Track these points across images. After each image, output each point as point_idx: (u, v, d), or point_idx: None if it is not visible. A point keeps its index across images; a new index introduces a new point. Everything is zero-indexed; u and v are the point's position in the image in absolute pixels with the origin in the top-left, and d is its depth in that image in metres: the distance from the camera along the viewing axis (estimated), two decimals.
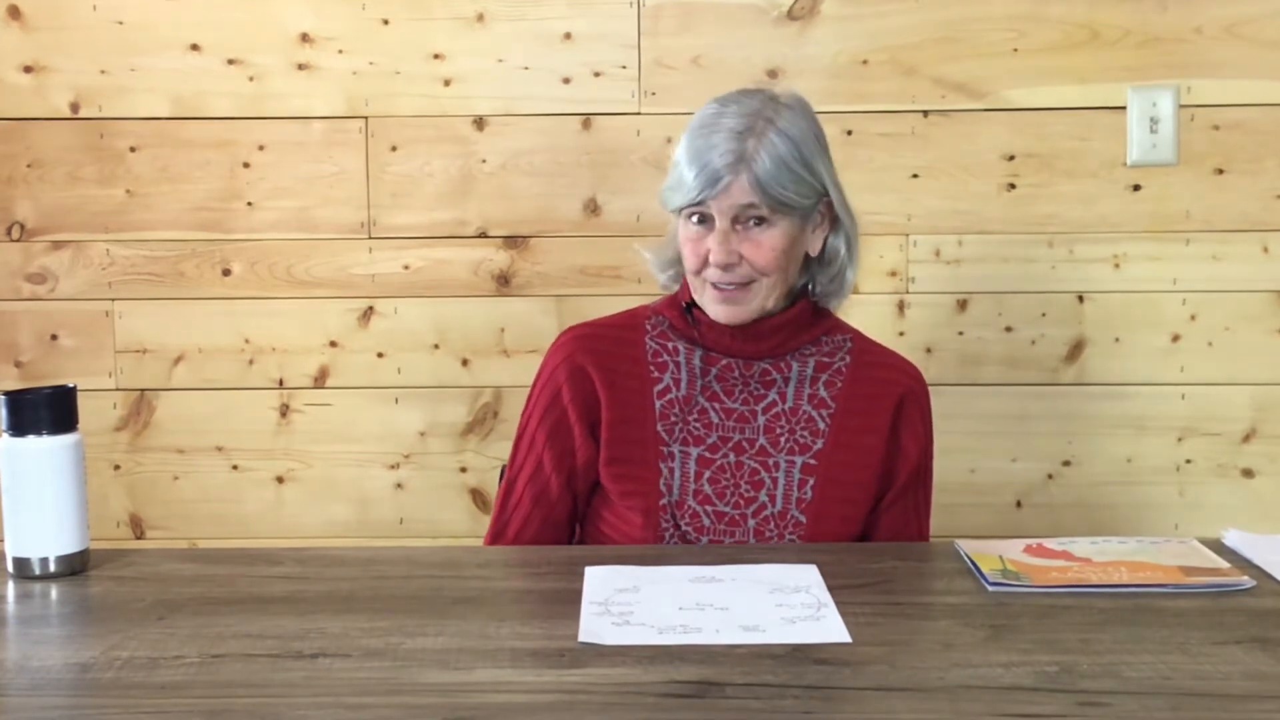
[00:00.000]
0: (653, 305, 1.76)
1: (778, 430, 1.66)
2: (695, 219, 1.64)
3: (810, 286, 1.71)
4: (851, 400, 1.68)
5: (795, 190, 1.61)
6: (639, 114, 2.23)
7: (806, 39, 2.22)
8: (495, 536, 1.72)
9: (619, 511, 1.67)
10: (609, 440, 1.67)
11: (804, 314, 1.69)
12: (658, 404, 1.68)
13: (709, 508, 1.64)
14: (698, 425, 1.67)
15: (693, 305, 1.70)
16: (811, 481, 1.65)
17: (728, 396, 1.68)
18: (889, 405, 1.68)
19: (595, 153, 2.25)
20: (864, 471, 1.66)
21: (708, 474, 1.65)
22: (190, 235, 2.28)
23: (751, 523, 1.64)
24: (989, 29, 2.21)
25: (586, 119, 2.25)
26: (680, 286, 1.72)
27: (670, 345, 1.71)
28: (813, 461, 1.65)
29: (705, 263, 1.63)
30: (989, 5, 2.21)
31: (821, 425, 1.67)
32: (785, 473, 1.65)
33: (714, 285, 1.64)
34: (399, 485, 2.31)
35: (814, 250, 1.69)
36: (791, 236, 1.63)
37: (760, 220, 1.62)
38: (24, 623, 1.32)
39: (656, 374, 1.69)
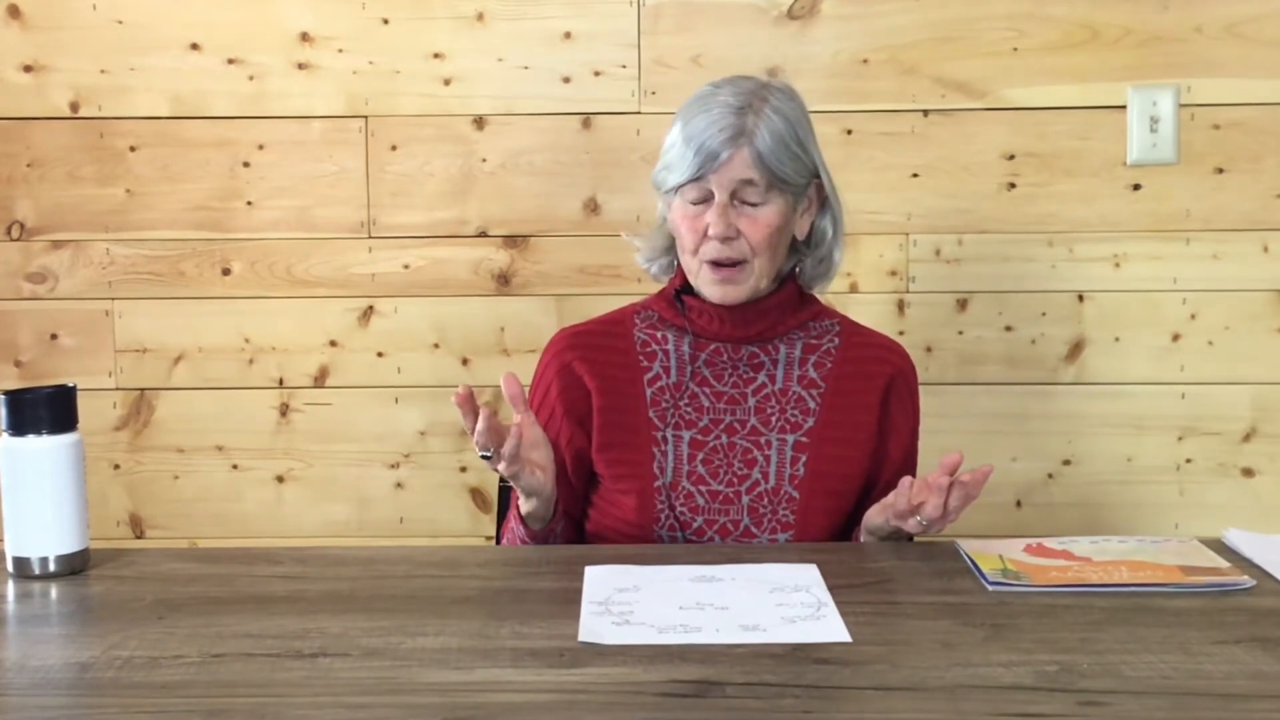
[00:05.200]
0: (641, 302, 1.79)
1: (768, 410, 1.69)
2: (692, 197, 1.65)
3: (797, 270, 1.74)
4: (841, 380, 1.71)
5: (792, 167, 1.65)
6: (639, 113, 2.23)
7: (806, 38, 2.22)
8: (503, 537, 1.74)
9: (611, 497, 1.69)
10: (601, 426, 1.69)
11: (791, 297, 1.72)
12: (648, 391, 1.70)
13: (703, 488, 1.66)
14: (689, 409, 1.69)
15: (682, 293, 1.72)
16: (804, 458, 1.67)
17: (717, 380, 1.70)
18: (879, 384, 1.71)
19: (595, 152, 2.25)
20: (856, 448, 1.69)
21: (700, 455, 1.67)
22: (190, 235, 2.28)
23: (745, 500, 1.65)
24: (989, 28, 2.21)
25: (586, 118, 2.25)
26: (670, 277, 1.75)
27: (659, 335, 1.73)
28: (804, 439, 1.68)
29: (703, 239, 1.65)
30: (989, 4, 2.21)
31: (812, 405, 1.69)
32: (777, 450, 1.67)
33: (711, 265, 1.66)
34: (399, 485, 2.31)
35: (801, 233, 1.72)
36: (785, 216, 1.66)
37: (753, 197, 1.64)
38: (24, 622, 1.31)
39: (646, 363, 1.72)
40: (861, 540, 1.61)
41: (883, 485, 1.70)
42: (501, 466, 1.51)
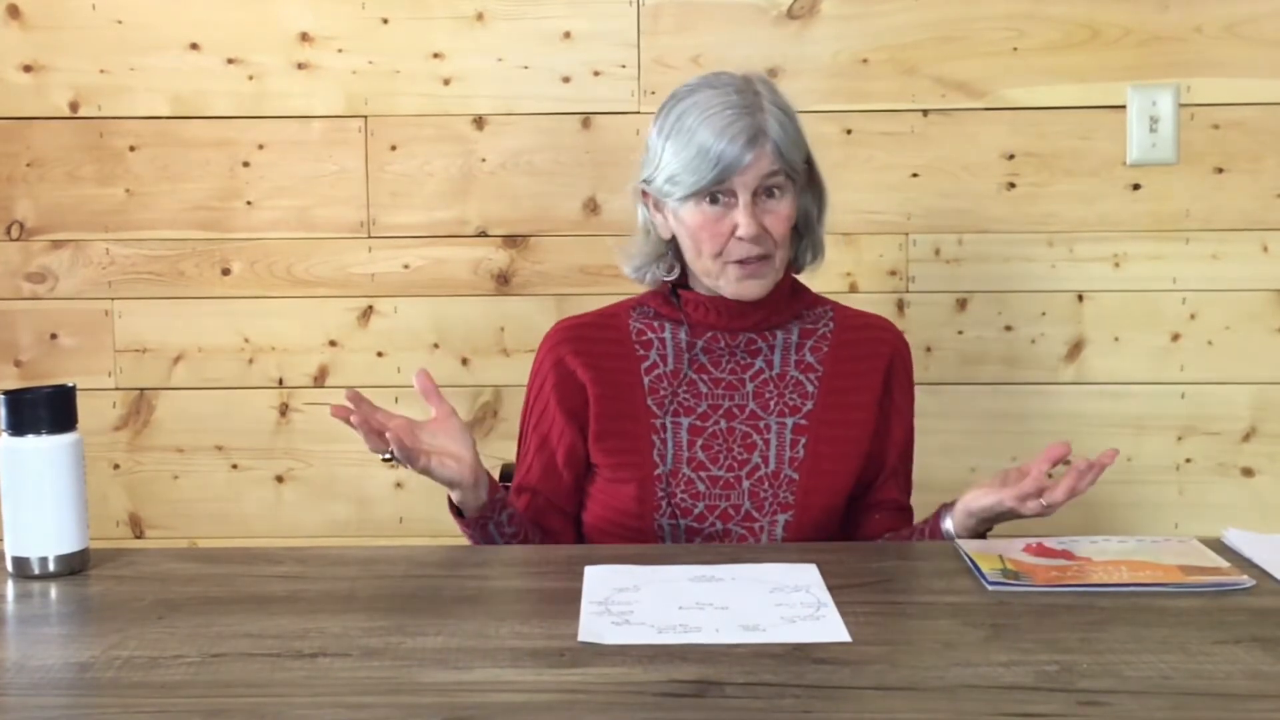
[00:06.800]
0: (636, 297, 1.79)
1: (767, 395, 1.70)
2: (709, 200, 1.64)
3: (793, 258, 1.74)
4: (839, 363, 1.72)
5: (799, 157, 1.66)
6: (639, 113, 2.23)
7: (806, 38, 2.22)
8: None
9: (610, 488, 1.69)
10: (598, 416, 1.70)
11: (785, 286, 1.72)
12: (646, 380, 1.71)
13: (703, 473, 1.66)
14: (687, 396, 1.69)
15: (678, 287, 1.72)
16: (804, 440, 1.68)
17: (715, 367, 1.71)
18: (880, 365, 1.73)
19: (595, 152, 2.25)
20: (856, 428, 1.70)
21: (700, 441, 1.68)
22: (190, 234, 2.28)
23: (746, 484, 1.66)
24: (989, 28, 2.21)
25: (586, 118, 2.25)
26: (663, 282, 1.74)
27: (655, 325, 1.74)
28: (804, 422, 1.69)
29: (726, 242, 1.63)
30: (989, 4, 2.21)
31: (810, 388, 1.70)
32: (777, 434, 1.68)
33: (738, 262, 1.64)
34: (399, 485, 2.31)
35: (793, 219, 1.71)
36: (795, 205, 1.67)
37: (773, 191, 1.64)
38: (24, 622, 1.32)
39: (642, 353, 1.72)
40: (952, 526, 1.59)
41: (889, 467, 1.72)
42: (407, 466, 1.52)
